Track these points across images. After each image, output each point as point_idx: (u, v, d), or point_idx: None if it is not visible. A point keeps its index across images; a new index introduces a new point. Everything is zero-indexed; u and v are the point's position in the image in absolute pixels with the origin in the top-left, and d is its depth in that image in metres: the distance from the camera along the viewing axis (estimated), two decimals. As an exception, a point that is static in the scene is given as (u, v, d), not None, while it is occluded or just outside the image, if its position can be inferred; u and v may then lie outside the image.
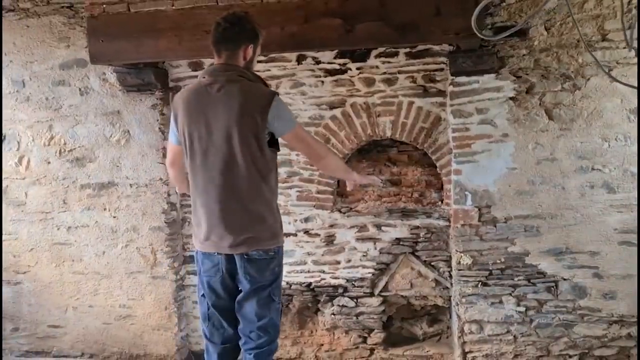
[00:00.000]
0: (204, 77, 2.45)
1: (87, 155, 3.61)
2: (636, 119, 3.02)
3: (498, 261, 3.24)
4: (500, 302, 3.27)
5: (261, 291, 2.48)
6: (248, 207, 2.41)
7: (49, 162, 3.65)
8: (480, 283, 3.27)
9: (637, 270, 3.08)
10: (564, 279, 3.21)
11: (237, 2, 2.82)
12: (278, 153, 2.54)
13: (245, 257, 2.43)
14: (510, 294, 3.25)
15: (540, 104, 3.11)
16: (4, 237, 3.78)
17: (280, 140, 2.49)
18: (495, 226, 3.22)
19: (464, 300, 3.30)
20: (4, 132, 3.68)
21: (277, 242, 2.51)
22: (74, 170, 3.63)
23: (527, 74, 3.11)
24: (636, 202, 3.08)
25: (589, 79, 3.06)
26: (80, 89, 3.56)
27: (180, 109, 2.45)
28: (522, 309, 3.26)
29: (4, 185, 3.74)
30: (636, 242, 3.09)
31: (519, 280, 3.24)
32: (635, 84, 2.61)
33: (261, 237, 2.44)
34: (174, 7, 2.87)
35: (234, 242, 2.41)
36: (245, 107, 2.33)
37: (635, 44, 2.33)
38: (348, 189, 2.98)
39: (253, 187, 2.40)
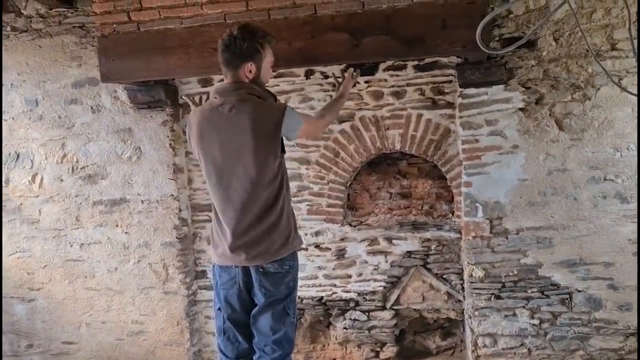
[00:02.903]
0: (215, 98, 2.46)
1: (99, 172, 3.64)
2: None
3: (510, 273, 3.21)
4: (514, 314, 3.24)
5: (276, 305, 2.50)
6: (264, 221, 2.43)
7: (61, 180, 3.69)
8: (493, 296, 3.24)
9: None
10: (578, 291, 3.17)
11: (244, 19, 2.83)
12: (288, 168, 2.60)
13: (261, 270, 2.45)
14: (524, 307, 3.22)
15: (550, 114, 3.09)
16: (18, 254, 3.83)
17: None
18: (507, 238, 3.20)
19: (477, 313, 3.27)
20: (17, 150, 3.73)
21: (292, 247, 2.51)
22: (87, 187, 3.66)
23: (536, 85, 3.09)
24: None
25: (599, 89, 3.04)
26: (92, 107, 3.60)
27: (192, 131, 2.49)
28: (536, 321, 3.22)
29: (18, 203, 3.78)
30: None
31: (532, 292, 3.21)
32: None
33: (274, 246, 2.45)
34: (182, 26, 2.90)
35: (250, 255, 2.43)
36: (258, 126, 2.36)
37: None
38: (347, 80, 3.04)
39: (269, 201, 2.43)
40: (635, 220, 3.06)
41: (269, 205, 2.43)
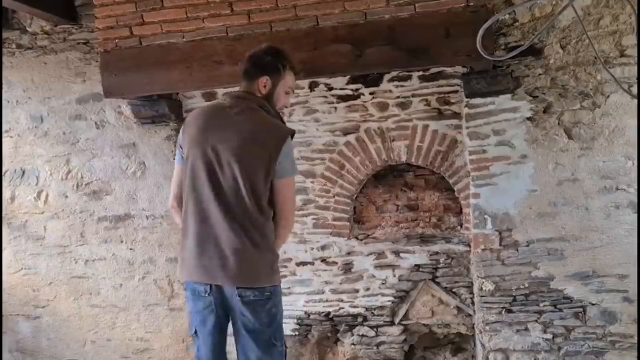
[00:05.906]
0: (224, 100, 2.38)
1: (103, 188, 3.63)
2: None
3: (522, 286, 3.14)
4: (526, 329, 3.16)
5: (260, 336, 2.31)
6: (246, 237, 2.25)
7: (66, 196, 3.68)
8: (504, 310, 3.17)
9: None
10: (592, 304, 3.08)
11: (246, 32, 2.82)
12: None
13: (239, 297, 2.26)
14: (536, 321, 3.14)
15: (558, 123, 3.03)
16: (23, 271, 3.82)
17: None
18: (518, 250, 3.12)
19: (487, 327, 3.19)
20: (23, 167, 3.73)
21: (274, 281, 2.33)
22: (91, 203, 3.65)
23: (543, 93, 3.04)
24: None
25: (609, 96, 2.98)
26: (96, 123, 3.60)
27: (192, 126, 2.34)
28: (549, 336, 3.13)
29: (23, 219, 3.78)
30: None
31: (544, 306, 3.12)
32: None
33: (259, 273, 2.28)
34: (184, 39, 2.89)
35: (229, 273, 2.24)
36: (259, 137, 2.25)
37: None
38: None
39: (254, 219, 2.25)
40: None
41: (255, 224, 2.25)
